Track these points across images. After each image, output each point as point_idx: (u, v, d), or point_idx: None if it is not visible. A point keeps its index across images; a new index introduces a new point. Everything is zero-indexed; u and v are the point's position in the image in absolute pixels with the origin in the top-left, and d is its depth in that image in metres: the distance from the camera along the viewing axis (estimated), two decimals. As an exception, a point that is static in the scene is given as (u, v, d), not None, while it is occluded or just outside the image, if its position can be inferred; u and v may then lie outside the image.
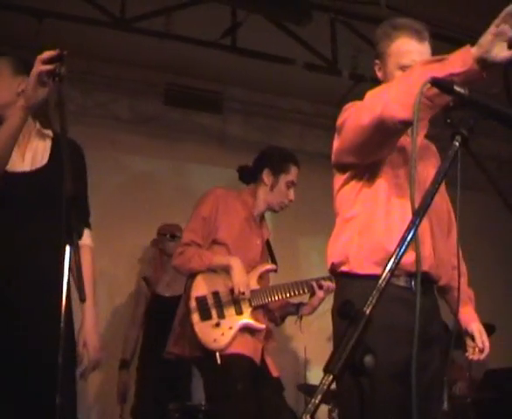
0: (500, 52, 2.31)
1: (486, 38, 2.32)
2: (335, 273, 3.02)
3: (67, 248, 2.38)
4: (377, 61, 3.08)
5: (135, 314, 6.36)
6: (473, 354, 3.26)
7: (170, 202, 7.25)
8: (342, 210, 3.03)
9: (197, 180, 7.51)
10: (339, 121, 2.95)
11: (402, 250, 1.83)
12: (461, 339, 3.24)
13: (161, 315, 6.04)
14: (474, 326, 3.25)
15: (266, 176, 4.69)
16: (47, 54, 2.89)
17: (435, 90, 2.33)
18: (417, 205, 1.98)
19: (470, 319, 3.26)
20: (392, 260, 1.82)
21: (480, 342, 3.22)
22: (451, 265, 3.09)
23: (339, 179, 3.07)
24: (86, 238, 3.49)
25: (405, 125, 2.59)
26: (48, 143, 3.40)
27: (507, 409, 6.03)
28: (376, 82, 3.15)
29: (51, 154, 3.36)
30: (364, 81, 6.33)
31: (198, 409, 4.93)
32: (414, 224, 1.89)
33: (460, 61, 2.37)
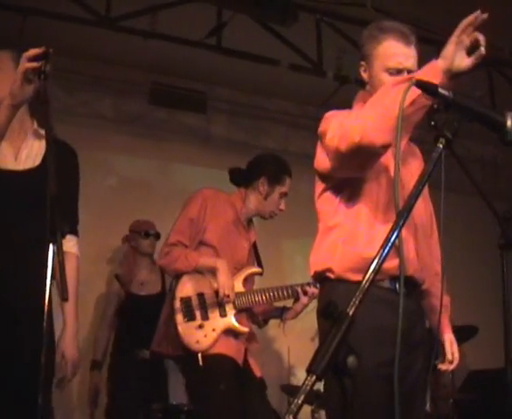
0: (461, 62, 2.44)
1: (448, 50, 2.44)
2: (320, 279, 3.03)
3: (50, 247, 2.37)
4: (362, 63, 3.08)
5: (106, 313, 6.23)
6: (442, 364, 3.27)
7: (154, 201, 7.24)
8: (325, 218, 3.03)
9: (181, 179, 7.51)
10: (319, 130, 2.97)
11: (386, 251, 1.84)
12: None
13: (135, 314, 6.01)
14: (446, 336, 3.26)
15: (262, 185, 4.67)
16: (33, 51, 2.88)
17: (411, 109, 2.42)
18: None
19: (443, 328, 3.27)
20: (376, 261, 1.82)
21: (449, 353, 3.24)
22: (433, 270, 3.12)
23: (321, 184, 3.08)
24: (73, 246, 3.46)
25: (386, 148, 2.63)
26: (43, 143, 3.35)
27: (489, 410, 6.05)
28: (360, 83, 3.17)
29: (45, 156, 3.32)
30: (349, 83, 6.34)
31: (181, 409, 4.93)
32: (398, 226, 1.90)
33: (430, 76, 2.39)
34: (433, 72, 2.44)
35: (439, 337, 3.24)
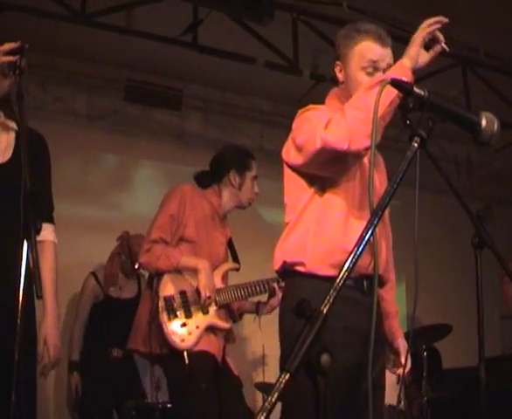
0: (423, 58, 2.69)
1: (413, 50, 2.67)
2: (288, 272, 3.00)
3: (25, 243, 2.36)
4: (338, 63, 3.10)
5: (82, 313, 6.12)
6: (394, 368, 3.32)
7: (129, 197, 7.22)
8: (294, 210, 3.01)
9: (154, 176, 7.49)
10: (294, 126, 3.00)
11: (360, 249, 1.84)
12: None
13: (111, 316, 5.97)
14: (400, 341, 3.30)
15: (233, 178, 4.68)
16: (8, 46, 2.87)
17: (389, 108, 2.58)
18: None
19: (397, 334, 3.31)
20: (350, 259, 1.82)
21: (403, 359, 3.26)
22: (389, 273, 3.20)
23: (292, 175, 3.05)
24: (49, 234, 3.39)
25: (367, 150, 2.69)
26: (12, 136, 3.27)
27: (462, 409, 6.09)
28: (336, 83, 3.18)
29: (15, 149, 3.27)
30: (325, 81, 6.35)
31: (155, 407, 4.92)
32: (372, 224, 1.90)
33: (400, 75, 2.49)
34: (403, 71, 2.59)
35: (393, 342, 3.28)
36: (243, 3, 5.76)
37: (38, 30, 6.06)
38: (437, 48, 2.69)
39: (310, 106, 3.01)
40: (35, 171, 2.77)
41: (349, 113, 2.70)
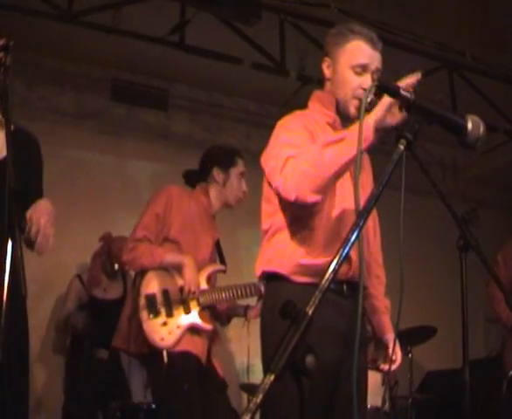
0: (392, 119, 2.45)
1: (380, 112, 2.46)
2: (267, 277, 3.04)
3: (9, 241, 2.35)
4: (326, 58, 3.10)
5: (65, 312, 6.17)
6: (384, 364, 3.31)
7: (114, 197, 7.20)
8: (272, 217, 3.05)
9: (140, 176, 7.47)
10: (272, 135, 3.06)
11: (346, 251, 1.84)
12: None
13: (96, 317, 5.97)
14: (390, 336, 3.28)
15: (217, 174, 4.68)
16: None
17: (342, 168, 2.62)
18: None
19: (386, 329, 3.31)
20: (336, 261, 1.82)
21: (392, 353, 3.26)
22: (373, 273, 3.26)
23: (268, 188, 3.08)
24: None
25: (315, 204, 2.76)
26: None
27: (447, 410, 6.10)
28: (323, 84, 3.18)
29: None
30: (312, 83, 6.35)
31: (140, 408, 4.92)
32: (358, 226, 1.90)
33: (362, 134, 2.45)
34: (366, 133, 2.45)
35: (382, 337, 3.28)
36: (230, 4, 5.76)
37: (25, 28, 6.03)
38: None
39: (289, 122, 3.04)
40: (30, 170, 2.77)
41: (302, 165, 2.70)
